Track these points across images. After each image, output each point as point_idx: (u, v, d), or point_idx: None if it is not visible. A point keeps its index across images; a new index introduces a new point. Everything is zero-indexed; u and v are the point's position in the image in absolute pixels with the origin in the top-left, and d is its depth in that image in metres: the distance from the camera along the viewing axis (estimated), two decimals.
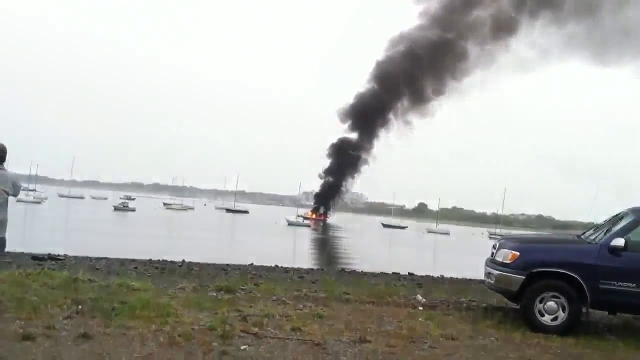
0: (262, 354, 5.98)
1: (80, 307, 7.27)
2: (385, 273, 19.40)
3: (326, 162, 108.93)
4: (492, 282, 8.95)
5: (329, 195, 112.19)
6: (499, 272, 8.76)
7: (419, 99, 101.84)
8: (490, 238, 73.84)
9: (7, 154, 7.65)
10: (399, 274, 19.44)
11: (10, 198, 7.73)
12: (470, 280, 17.00)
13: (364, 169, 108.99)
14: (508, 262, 8.69)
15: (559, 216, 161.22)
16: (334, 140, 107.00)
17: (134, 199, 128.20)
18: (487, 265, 9.41)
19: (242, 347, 6.15)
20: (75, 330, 6.17)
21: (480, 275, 11.22)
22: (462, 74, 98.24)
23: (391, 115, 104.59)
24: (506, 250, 8.92)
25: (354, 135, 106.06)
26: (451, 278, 18.54)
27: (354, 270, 20.91)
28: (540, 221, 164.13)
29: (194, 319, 7.16)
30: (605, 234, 8.78)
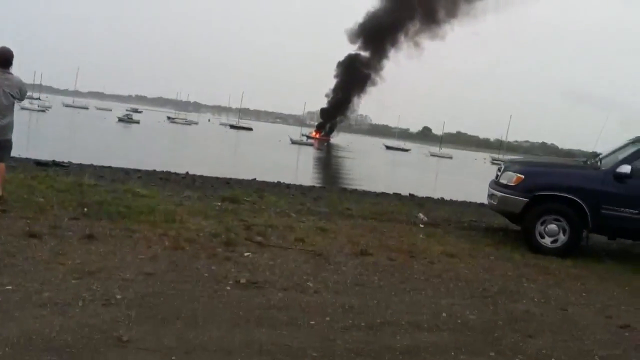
0: (264, 261, 6.07)
1: (86, 209, 7.35)
2: (386, 193, 19.41)
3: (333, 84, 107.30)
4: (495, 203, 9.02)
5: (335, 112, 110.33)
6: (502, 193, 8.80)
7: (430, 20, 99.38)
8: (493, 163, 73.92)
9: (13, 59, 7.60)
10: (400, 194, 19.47)
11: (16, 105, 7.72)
12: (470, 203, 17.10)
13: (370, 90, 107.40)
14: (513, 184, 8.71)
15: (563, 145, 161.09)
16: (342, 58, 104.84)
17: (140, 112, 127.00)
18: (491, 187, 9.45)
19: (246, 254, 6.24)
20: (81, 231, 6.25)
21: (482, 199, 11.27)
22: None
23: (402, 36, 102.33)
24: (511, 172, 8.94)
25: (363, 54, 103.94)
26: (452, 200, 18.63)
27: (356, 190, 20.92)
28: (544, 149, 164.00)
29: (199, 226, 7.25)
30: (611, 161, 8.76)
